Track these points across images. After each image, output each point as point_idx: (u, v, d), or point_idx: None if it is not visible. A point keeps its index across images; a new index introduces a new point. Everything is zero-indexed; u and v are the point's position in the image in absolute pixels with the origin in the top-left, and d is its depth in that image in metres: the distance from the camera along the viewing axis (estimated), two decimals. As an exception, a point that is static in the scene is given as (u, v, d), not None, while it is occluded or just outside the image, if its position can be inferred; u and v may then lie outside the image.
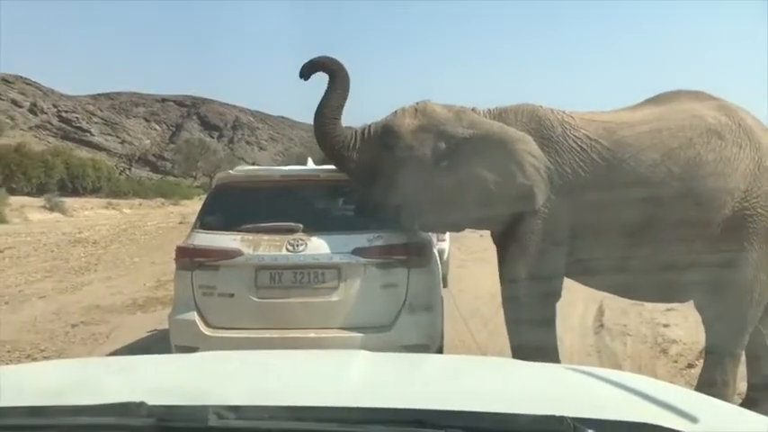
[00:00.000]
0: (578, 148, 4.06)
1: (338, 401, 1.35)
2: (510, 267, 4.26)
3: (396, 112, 4.30)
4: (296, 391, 1.56)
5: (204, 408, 1.24)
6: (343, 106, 4.33)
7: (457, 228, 4.49)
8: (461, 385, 1.73)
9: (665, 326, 7.17)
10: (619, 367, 5.73)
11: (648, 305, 7.44)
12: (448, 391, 1.64)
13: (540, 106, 4.30)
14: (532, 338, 4.18)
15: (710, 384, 4.17)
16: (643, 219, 4.03)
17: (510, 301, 4.29)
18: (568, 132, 4.10)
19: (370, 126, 4.34)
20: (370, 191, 4.30)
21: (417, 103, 4.32)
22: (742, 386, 4.50)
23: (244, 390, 1.57)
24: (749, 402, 4.31)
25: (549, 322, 4.32)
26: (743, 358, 4.40)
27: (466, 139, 4.14)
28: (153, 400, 1.27)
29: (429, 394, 1.58)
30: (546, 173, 4.03)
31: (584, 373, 1.79)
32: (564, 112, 4.24)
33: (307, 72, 4.33)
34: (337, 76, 4.28)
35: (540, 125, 4.16)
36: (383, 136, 4.24)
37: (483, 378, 1.84)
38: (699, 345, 6.10)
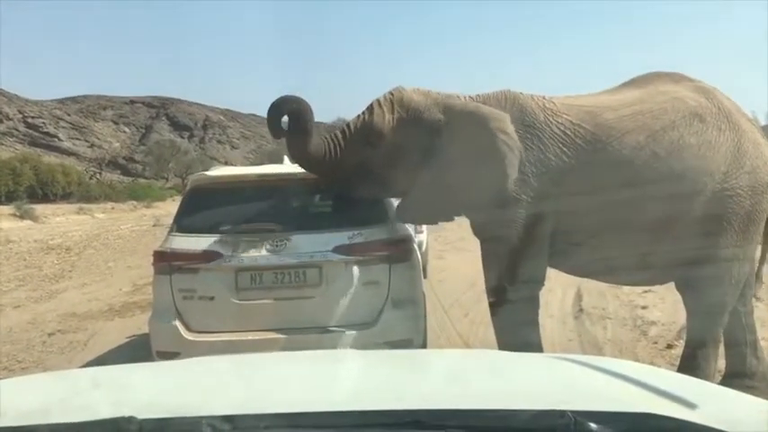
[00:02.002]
0: (562, 134, 4.06)
1: (334, 405, 1.33)
2: (493, 259, 4.27)
3: (372, 107, 4.22)
4: (290, 396, 1.53)
5: (197, 420, 1.21)
6: (311, 136, 4.16)
7: (448, 217, 4.44)
8: (456, 382, 1.72)
9: (644, 308, 7.26)
10: (600, 351, 5.80)
11: (626, 288, 7.53)
12: (443, 389, 1.62)
13: (521, 93, 4.28)
14: (518, 332, 4.19)
15: (693, 365, 4.22)
16: (627, 202, 4.04)
17: (495, 294, 4.29)
18: (551, 119, 4.10)
19: (348, 126, 4.28)
20: (359, 191, 4.29)
21: (392, 94, 4.25)
22: (720, 364, 4.57)
23: (236, 398, 1.53)
24: (726, 382, 4.38)
25: (534, 312, 4.35)
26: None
27: (444, 123, 4.15)
28: (143, 413, 1.23)
29: (424, 393, 1.56)
30: (518, 151, 4.01)
31: (578, 363, 1.79)
32: (544, 98, 4.23)
33: (275, 131, 4.22)
34: (300, 119, 4.10)
35: (522, 112, 4.15)
36: (366, 136, 4.18)
37: (477, 373, 1.82)
38: (677, 325, 6.20)
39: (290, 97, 4.13)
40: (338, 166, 4.19)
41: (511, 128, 4.05)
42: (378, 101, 4.24)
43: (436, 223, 4.77)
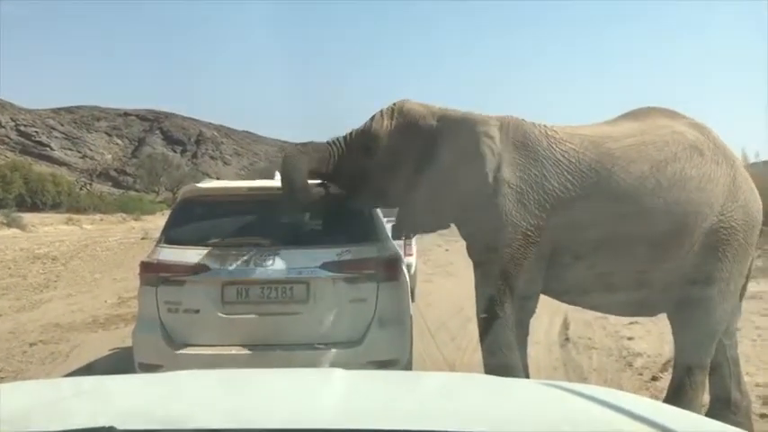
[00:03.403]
0: (566, 161, 4.08)
1: (320, 424, 1.31)
2: (486, 283, 4.22)
3: (374, 116, 4.34)
4: (276, 413, 1.49)
5: None
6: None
7: (444, 223, 4.45)
8: (444, 404, 1.69)
9: (630, 339, 7.24)
10: (585, 380, 5.77)
11: (612, 318, 7.52)
12: (431, 411, 1.60)
13: (524, 120, 4.32)
14: (506, 357, 4.17)
15: (680, 395, 4.21)
16: (629, 231, 4.06)
17: (485, 318, 4.27)
18: (554, 146, 4.12)
19: (351, 132, 4.37)
20: (357, 201, 4.34)
21: (395, 104, 4.37)
22: (705, 398, 4.56)
23: (221, 413, 1.49)
24: (711, 415, 4.36)
25: (523, 339, 4.33)
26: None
27: (437, 130, 4.24)
28: (124, 424, 1.21)
29: (412, 414, 1.53)
30: (498, 155, 4.07)
31: (566, 389, 1.77)
32: (546, 126, 4.26)
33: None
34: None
35: (525, 138, 4.17)
36: (365, 141, 4.26)
37: (465, 396, 1.79)
38: (663, 357, 6.19)
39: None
40: (337, 171, 4.25)
41: (496, 133, 4.13)
42: (381, 110, 4.36)
43: (435, 231, 4.75)
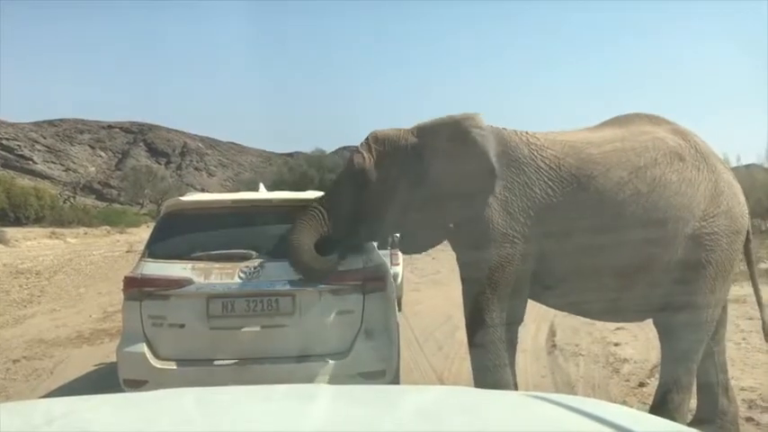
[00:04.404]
0: (546, 168, 4.12)
1: None
2: (475, 297, 4.20)
3: (352, 157, 4.38)
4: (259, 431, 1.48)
5: None
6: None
7: (443, 233, 4.45)
8: (429, 419, 1.66)
9: (616, 345, 7.28)
10: (573, 388, 5.78)
11: (599, 324, 7.56)
12: (416, 426, 1.58)
13: (504, 128, 4.36)
14: (496, 376, 4.17)
15: (666, 405, 4.22)
16: (610, 237, 4.09)
17: (474, 332, 4.25)
18: (535, 153, 4.16)
19: (335, 181, 4.56)
20: (362, 237, 4.42)
21: (367, 137, 4.40)
22: (692, 403, 4.58)
23: None
24: (698, 420, 4.38)
25: (512, 353, 4.33)
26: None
27: (419, 143, 4.28)
28: None
29: (397, 430, 1.52)
30: (493, 143, 4.13)
31: (553, 402, 1.76)
32: (527, 133, 4.29)
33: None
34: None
35: (506, 146, 4.21)
36: (354, 180, 4.29)
37: (451, 411, 1.77)
38: (649, 363, 6.23)
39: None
40: (336, 224, 4.24)
41: (484, 123, 4.20)
42: (357, 148, 4.40)
43: (436, 244, 4.71)
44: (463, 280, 4.36)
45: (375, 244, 4.75)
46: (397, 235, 4.72)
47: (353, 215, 4.26)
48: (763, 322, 4.51)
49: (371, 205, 4.25)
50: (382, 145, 4.31)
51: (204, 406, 1.89)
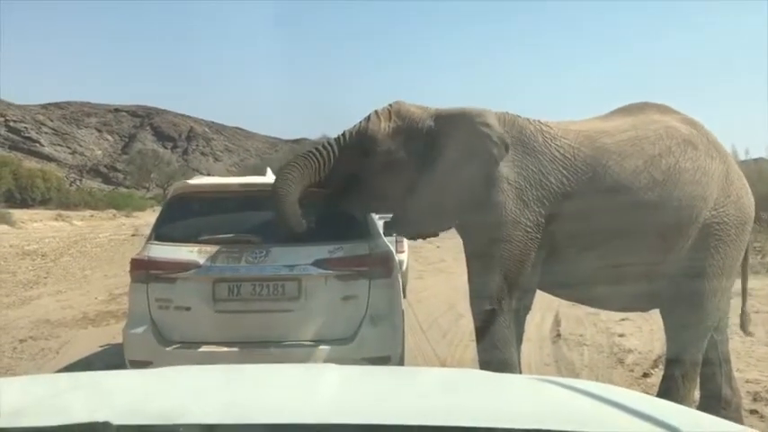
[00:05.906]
0: (562, 157, 4.09)
1: (314, 418, 1.29)
2: (483, 278, 4.19)
3: (369, 116, 4.24)
4: (270, 407, 1.48)
5: (174, 428, 1.18)
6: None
7: (444, 225, 4.42)
8: (440, 399, 1.68)
9: (621, 335, 7.27)
10: (577, 376, 5.78)
11: (603, 314, 7.55)
12: (426, 406, 1.58)
13: (519, 116, 4.32)
14: (502, 355, 4.16)
15: (671, 392, 4.22)
16: (624, 226, 4.07)
17: (481, 313, 4.26)
18: (549, 142, 4.13)
19: (344, 134, 4.27)
20: (352, 205, 4.31)
21: (391, 105, 4.31)
22: (696, 394, 4.58)
23: (215, 407, 1.47)
24: (702, 411, 4.38)
25: (519, 335, 4.33)
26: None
27: (436, 130, 4.20)
28: (119, 419, 1.19)
29: (407, 409, 1.52)
30: (501, 141, 4.07)
31: (561, 385, 1.76)
32: (540, 122, 4.26)
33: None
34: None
35: (521, 134, 4.18)
36: (361, 143, 4.18)
37: (461, 391, 1.78)
38: (653, 354, 6.22)
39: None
40: (331, 176, 4.17)
41: (494, 121, 4.14)
42: (376, 111, 4.28)
43: (434, 234, 4.68)
44: (471, 264, 4.35)
45: (381, 231, 4.71)
46: (388, 216, 4.54)
47: (348, 178, 4.20)
48: (743, 313, 4.52)
49: (369, 175, 4.19)
50: (402, 120, 4.21)
51: (218, 380, 1.91)
